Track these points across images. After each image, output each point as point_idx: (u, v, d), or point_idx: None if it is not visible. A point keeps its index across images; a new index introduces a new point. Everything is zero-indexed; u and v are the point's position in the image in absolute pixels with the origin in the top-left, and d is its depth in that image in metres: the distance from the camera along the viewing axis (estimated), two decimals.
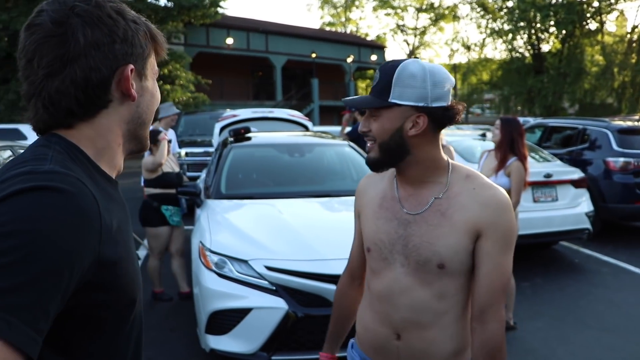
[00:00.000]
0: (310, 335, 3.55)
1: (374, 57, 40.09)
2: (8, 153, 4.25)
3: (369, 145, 1.63)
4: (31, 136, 15.72)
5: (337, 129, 14.64)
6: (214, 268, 3.78)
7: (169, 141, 5.48)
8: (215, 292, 3.68)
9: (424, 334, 1.64)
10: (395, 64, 1.55)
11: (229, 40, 30.94)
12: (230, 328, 3.61)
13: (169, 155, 5.53)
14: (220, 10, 26.19)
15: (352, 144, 6.10)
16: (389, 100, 1.53)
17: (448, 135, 8.01)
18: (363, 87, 51.68)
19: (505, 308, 4.48)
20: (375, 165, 1.62)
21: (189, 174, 10.56)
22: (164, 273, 5.63)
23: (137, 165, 7.54)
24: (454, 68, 46.20)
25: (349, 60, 36.51)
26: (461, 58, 72.15)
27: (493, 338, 1.53)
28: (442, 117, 1.55)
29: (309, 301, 3.58)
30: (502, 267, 1.54)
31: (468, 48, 41.64)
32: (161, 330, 4.70)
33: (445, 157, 1.64)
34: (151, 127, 7.03)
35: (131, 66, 1.02)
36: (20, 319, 0.75)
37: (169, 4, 24.16)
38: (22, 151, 3.87)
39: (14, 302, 0.75)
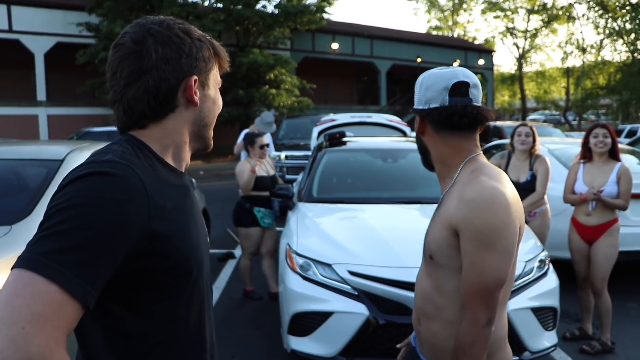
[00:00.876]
0: (389, 343, 3.51)
1: (481, 62, 39.11)
2: None
3: None
4: None
5: None
6: (298, 270, 3.84)
7: (267, 145, 5.62)
8: (299, 294, 3.74)
9: (430, 324, 1.70)
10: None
11: (334, 45, 31.30)
12: (311, 330, 3.65)
13: (265, 158, 5.67)
14: (325, 15, 26.59)
15: None
16: (415, 107, 1.73)
17: (555, 143, 7.64)
18: None
19: (602, 327, 4.24)
20: (424, 165, 1.82)
21: (288, 176, 10.78)
22: (256, 273, 5.78)
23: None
24: (567, 72, 44.03)
25: (455, 64, 35.81)
26: (575, 61, 68.84)
27: (461, 337, 1.53)
28: (440, 117, 1.62)
29: (390, 308, 3.55)
30: (477, 266, 1.51)
31: (583, 50, 39.58)
32: (248, 328, 4.84)
33: (466, 154, 1.68)
34: (247, 130, 7.27)
35: (195, 77, 1.21)
36: (73, 272, 0.93)
37: (276, 11, 24.78)
38: None
39: (69, 258, 0.93)
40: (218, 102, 1.32)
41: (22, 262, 0.93)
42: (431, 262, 1.66)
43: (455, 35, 55.13)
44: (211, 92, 1.29)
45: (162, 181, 1.16)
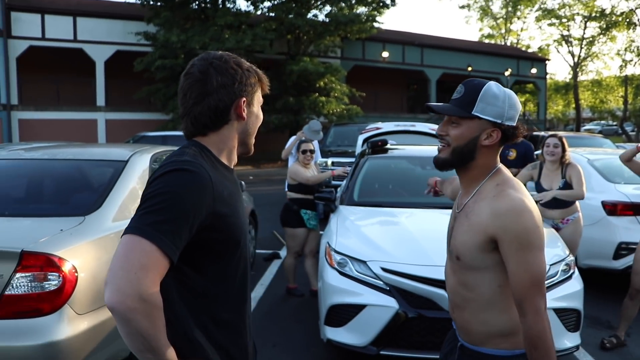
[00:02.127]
0: (417, 336, 3.81)
1: (534, 70, 38.62)
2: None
3: (441, 146, 1.91)
4: None
5: None
6: (336, 266, 4.17)
7: (312, 151, 6.00)
8: (336, 288, 4.07)
9: (461, 313, 1.93)
10: (481, 83, 1.84)
11: (385, 54, 31.54)
12: (346, 321, 3.98)
13: (309, 163, 6.05)
14: (376, 24, 26.83)
15: None
16: (473, 112, 1.81)
17: (595, 154, 7.69)
18: (522, 102, 49.70)
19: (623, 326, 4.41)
20: (443, 165, 1.90)
21: (334, 182, 11.09)
22: (299, 272, 6.14)
23: (285, 172, 8.18)
24: (625, 80, 42.84)
25: (507, 73, 35.49)
26: (634, 69, 66.74)
27: (532, 328, 1.71)
28: (511, 135, 1.83)
29: (419, 303, 3.83)
30: (526, 264, 1.72)
31: None
32: (290, 321, 5.21)
33: (495, 164, 1.89)
34: (294, 137, 7.64)
35: (244, 98, 1.62)
36: (167, 237, 1.34)
37: (327, 20, 25.16)
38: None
39: (164, 228, 1.35)
40: (260, 117, 1.73)
41: (133, 230, 1.34)
42: (457, 262, 1.89)
43: (508, 43, 54.44)
44: (255, 109, 1.69)
45: (221, 175, 1.56)
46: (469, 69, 33.02)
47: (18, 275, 2.94)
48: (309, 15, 25.33)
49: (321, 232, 6.28)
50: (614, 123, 49.63)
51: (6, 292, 2.93)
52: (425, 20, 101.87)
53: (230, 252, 1.57)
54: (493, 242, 1.78)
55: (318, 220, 6.08)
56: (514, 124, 1.83)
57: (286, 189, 7.12)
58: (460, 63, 33.98)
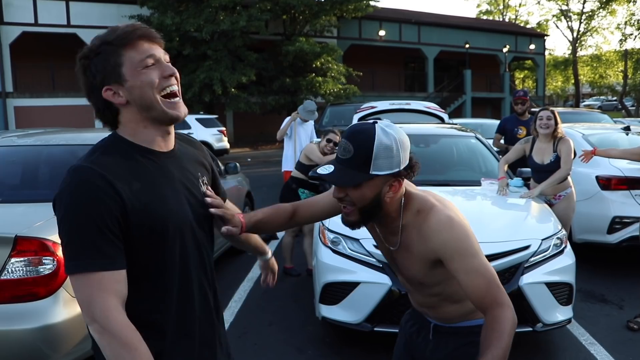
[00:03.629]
0: None
1: (532, 47, 38.43)
2: None
3: (346, 209, 1.80)
4: (194, 125, 17.31)
5: (488, 121, 14.47)
6: (329, 244, 4.21)
7: (336, 144, 6.02)
8: (329, 266, 4.11)
9: (435, 311, 2.01)
10: (369, 137, 1.68)
11: (381, 33, 31.37)
12: (340, 299, 4.02)
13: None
14: (372, 2, 26.68)
15: (478, 135, 6.21)
16: (371, 172, 1.68)
17: (590, 129, 7.70)
18: (520, 78, 49.56)
19: None
20: (355, 225, 1.82)
21: None
22: (296, 252, 6.19)
23: (281, 154, 8.20)
24: (625, 55, 42.59)
25: (505, 50, 35.31)
26: (635, 43, 66.34)
27: (501, 327, 1.63)
28: (409, 174, 1.76)
29: None
30: (474, 269, 1.70)
31: None
32: (286, 300, 5.26)
33: (402, 197, 1.82)
34: (289, 118, 7.66)
35: (105, 87, 1.48)
36: (84, 257, 1.35)
37: None
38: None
39: (74, 251, 1.36)
40: (145, 82, 1.48)
41: (66, 270, 1.39)
42: (421, 285, 1.91)
43: (507, 19, 54.11)
44: (132, 82, 1.47)
45: (136, 164, 1.49)
46: (467, 46, 32.84)
47: (13, 260, 2.98)
48: None
49: None
50: (614, 98, 49.47)
51: (2, 277, 2.98)
52: None
53: (157, 241, 1.48)
54: (440, 260, 1.77)
55: None
56: (408, 162, 1.75)
57: (283, 170, 7.16)
58: (457, 40, 33.79)
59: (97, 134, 4.92)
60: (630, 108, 42.78)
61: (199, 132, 17.08)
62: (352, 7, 25.83)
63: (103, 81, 1.47)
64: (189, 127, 17.05)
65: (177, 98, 1.55)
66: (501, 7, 55.79)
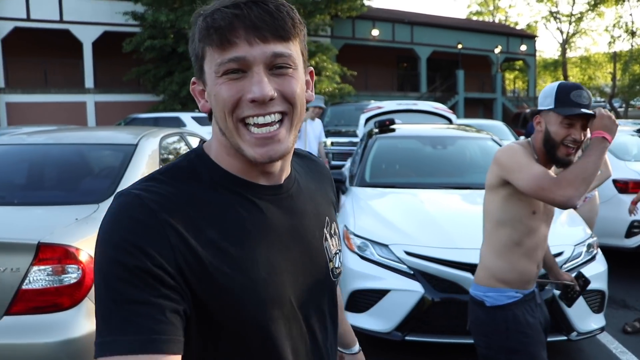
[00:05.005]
0: (443, 320, 3.73)
1: (523, 47, 38.47)
2: (176, 138, 4.77)
3: (572, 151, 2.15)
4: (189, 123, 17.14)
5: (482, 121, 14.40)
6: (356, 250, 4.05)
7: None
8: (357, 272, 3.95)
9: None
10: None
11: (375, 32, 31.26)
12: (368, 307, 3.87)
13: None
14: (366, 2, 26.61)
15: (495, 137, 6.09)
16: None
17: None
18: (510, 79, 49.63)
19: None
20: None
21: (334, 162, 11.01)
22: None
23: None
24: (614, 56, 42.85)
25: (497, 51, 35.35)
26: (623, 45, 66.65)
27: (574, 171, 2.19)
28: None
29: (444, 287, 3.73)
30: (520, 175, 2.22)
31: (632, 34, 38.47)
32: None
33: None
34: None
35: (194, 81, 1.10)
36: (125, 338, 0.84)
37: None
38: (189, 137, 4.32)
39: (109, 331, 0.85)
40: (219, 98, 0.99)
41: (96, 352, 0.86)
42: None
43: (497, 20, 54.23)
44: (208, 89, 1.03)
45: (206, 204, 0.98)
46: (459, 46, 32.82)
47: (35, 268, 2.79)
48: None
49: None
50: (602, 100, 49.83)
51: (23, 287, 2.78)
52: None
53: (233, 340, 0.97)
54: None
55: None
56: None
57: None
58: (450, 41, 33.75)
59: (111, 133, 4.73)
60: (619, 109, 43.03)
61: (195, 130, 16.86)
62: (347, 6, 25.70)
63: (195, 69, 1.05)
64: (184, 125, 16.83)
65: (271, 129, 0.98)
66: (491, 7, 55.89)
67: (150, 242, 0.88)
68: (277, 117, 0.98)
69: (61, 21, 23.48)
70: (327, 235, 1.17)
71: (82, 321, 2.85)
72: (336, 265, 1.18)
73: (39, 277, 2.79)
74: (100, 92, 24.50)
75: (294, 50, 0.99)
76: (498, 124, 14.28)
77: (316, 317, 1.09)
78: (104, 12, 23.94)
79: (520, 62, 42.80)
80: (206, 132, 18.01)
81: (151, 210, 0.91)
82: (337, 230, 1.23)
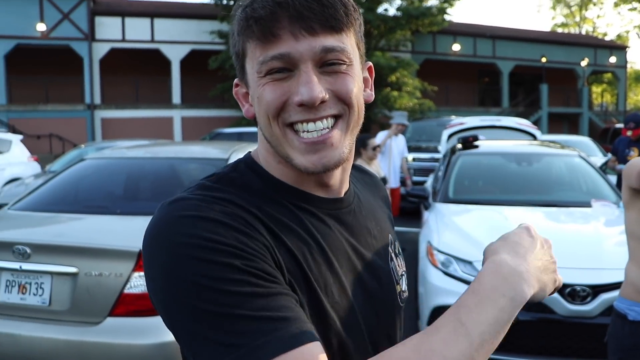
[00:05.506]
0: (527, 339, 3.68)
1: (612, 59, 36.91)
2: None
3: None
4: None
5: (567, 137, 13.97)
6: (439, 266, 4.06)
7: (378, 147, 5.95)
8: (440, 288, 3.96)
9: None
10: None
11: (456, 47, 30.95)
12: None
13: (375, 160, 6.03)
14: (447, 17, 26.38)
15: (582, 154, 5.92)
16: None
17: None
18: (598, 92, 47.68)
19: None
20: None
21: (415, 178, 10.96)
22: None
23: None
24: None
25: (583, 63, 34.10)
26: None
27: None
28: None
29: (529, 306, 3.62)
30: None
31: None
32: None
33: None
34: (386, 132, 7.62)
35: (236, 80, 0.98)
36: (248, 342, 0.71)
37: (398, 14, 24.92)
38: None
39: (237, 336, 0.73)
40: (262, 101, 0.88)
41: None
42: None
43: (583, 32, 52.37)
44: (251, 91, 0.93)
45: (279, 215, 0.87)
46: (543, 60, 31.91)
47: (136, 274, 2.98)
48: (380, 10, 25.12)
49: (406, 230, 6.18)
50: None
51: (125, 291, 2.98)
52: (496, 11, 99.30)
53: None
54: None
55: None
56: None
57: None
58: (533, 54, 32.88)
59: (203, 148, 4.97)
60: None
61: None
62: (428, 21, 25.59)
63: (237, 69, 0.94)
64: None
65: (322, 132, 0.87)
66: (577, 19, 54.05)
67: (246, 240, 0.78)
68: (330, 122, 0.87)
69: (152, 41, 24.74)
70: (392, 255, 1.06)
71: None
72: (403, 289, 1.06)
73: (139, 283, 2.99)
74: (187, 107, 25.52)
75: (348, 43, 0.87)
76: (585, 140, 13.81)
77: (384, 347, 0.82)
78: (192, 31, 25.00)
79: (609, 75, 41.08)
80: None
81: (237, 205, 0.82)
82: (400, 250, 1.12)
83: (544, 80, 32.45)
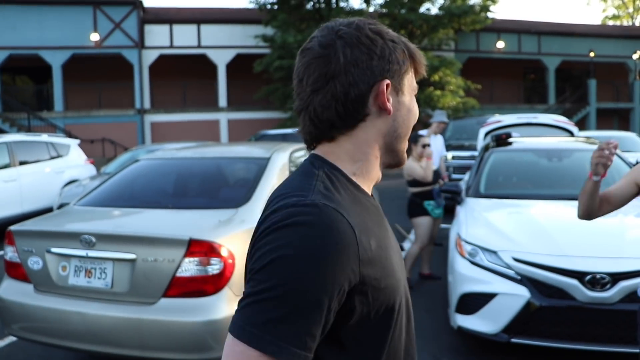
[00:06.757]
0: (548, 324, 3.88)
1: None
2: (303, 152, 5.25)
3: None
4: None
5: (611, 133, 13.83)
6: (467, 256, 4.32)
7: (428, 145, 6.17)
8: (467, 276, 4.22)
9: None
10: None
11: (500, 44, 30.67)
12: (477, 309, 4.11)
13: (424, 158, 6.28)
14: (490, 14, 26.21)
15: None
16: None
17: None
18: None
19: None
20: None
21: (454, 176, 11.13)
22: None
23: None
24: None
25: (635, 56, 33.19)
26: None
27: None
28: None
29: (550, 293, 3.89)
30: None
31: None
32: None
33: None
34: (426, 131, 7.86)
35: (387, 81, 1.09)
36: (287, 342, 0.90)
37: (440, 13, 24.92)
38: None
39: (281, 329, 0.90)
40: (414, 111, 1.17)
41: (237, 332, 0.92)
42: None
43: (637, 23, 50.83)
44: (406, 98, 1.14)
45: (363, 213, 1.06)
46: (591, 54, 31.25)
47: (186, 260, 3.36)
48: (422, 9, 25.20)
49: (445, 226, 6.44)
50: None
51: (177, 275, 3.36)
52: (542, 5, 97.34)
53: (383, 323, 1.05)
54: None
55: (442, 209, 6.30)
56: None
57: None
58: (581, 49, 32.23)
59: (246, 148, 5.35)
60: None
61: None
62: (470, 19, 25.50)
63: (386, 72, 1.09)
64: None
65: None
66: (631, 10, 52.48)
67: (351, 261, 0.95)
68: None
69: (199, 46, 25.48)
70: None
71: (222, 306, 3.38)
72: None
73: (189, 267, 3.36)
74: (233, 110, 26.17)
75: None
76: (630, 135, 13.65)
77: (410, 318, 1.17)
78: (237, 36, 25.63)
79: None
80: None
81: (351, 226, 0.97)
82: None
83: (593, 75, 31.81)
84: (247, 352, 0.90)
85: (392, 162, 1.18)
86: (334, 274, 0.92)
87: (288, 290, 0.90)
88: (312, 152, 1.15)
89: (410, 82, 1.15)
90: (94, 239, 3.47)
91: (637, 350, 2.56)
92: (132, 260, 3.42)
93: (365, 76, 1.06)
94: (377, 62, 1.07)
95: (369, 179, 1.15)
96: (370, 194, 1.16)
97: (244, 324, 0.91)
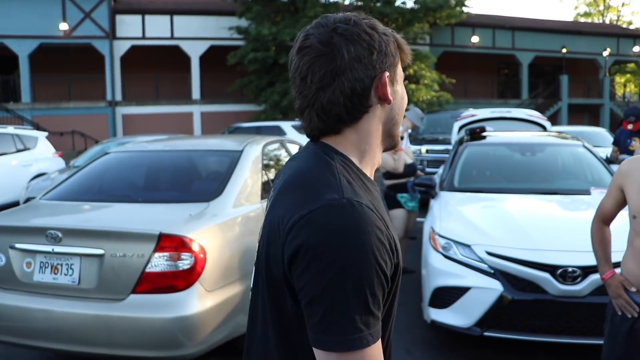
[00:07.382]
0: (520, 318, 3.90)
1: (636, 49, 36.45)
2: (277, 145, 5.19)
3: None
4: (289, 131, 17.84)
5: (581, 128, 14.02)
6: (440, 250, 4.31)
7: (402, 138, 6.18)
8: (440, 270, 4.21)
9: None
10: None
11: (474, 39, 30.87)
12: (450, 303, 4.11)
13: (403, 150, 6.27)
14: (465, 9, 26.35)
15: (587, 144, 6.10)
16: None
17: None
18: (621, 83, 47.12)
19: None
20: None
21: (428, 169, 11.16)
22: None
23: None
24: None
25: (605, 53, 33.75)
26: None
27: None
28: None
29: (522, 286, 3.91)
30: None
31: None
32: None
33: None
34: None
35: (387, 73, 1.17)
36: (370, 331, 1.02)
37: (416, 7, 24.96)
38: (289, 145, 4.76)
39: (362, 324, 1.01)
40: (405, 97, 1.28)
41: (335, 345, 1.00)
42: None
43: (607, 21, 51.67)
44: (399, 87, 1.24)
45: (374, 202, 1.14)
46: (564, 50, 31.67)
47: (156, 255, 3.28)
48: (397, 3, 25.19)
49: (421, 220, 6.44)
50: None
51: (146, 270, 3.29)
52: (516, 1, 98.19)
53: (393, 301, 1.19)
54: None
55: (417, 203, 6.28)
56: None
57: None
58: (553, 45, 32.64)
59: (219, 141, 5.26)
60: None
61: (295, 138, 17.45)
62: (445, 13, 25.60)
63: (384, 65, 1.18)
64: (284, 133, 17.55)
65: None
66: (601, 8, 53.29)
67: (389, 254, 1.06)
68: None
69: (172, 38, 25.12)
70: None
71: (193, 302, 3.32)
72: None
73: (159, 262, 3.29)
74: (206, 102, 25.91)
75: None
76: (600, 131, 13.86)
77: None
78: (211, 27, 25.34)
79: (632, 65, 40.61)
80: (305, 139, 18.62)
81: (384, 222, 1.09)
82: None
83: (565, 71, 32.24)
84: (357, 355, 1.00)
85: (389, 145, 1.28)
86: (384, 268, 1.04)
87: (355, 290, 0.99)
88: (320, 140, 1.22)
89: (400, 71, 1.25)
90: (60, 234, 3.38)
91: None
92: (100, 256, 3.34)
93: (368, 70, 1.15)
94: (377, 57, 1.16)
95: (372, 165, 1.25)
96: (372, 178, 1.25)
97: (336, 337, 1.00)
